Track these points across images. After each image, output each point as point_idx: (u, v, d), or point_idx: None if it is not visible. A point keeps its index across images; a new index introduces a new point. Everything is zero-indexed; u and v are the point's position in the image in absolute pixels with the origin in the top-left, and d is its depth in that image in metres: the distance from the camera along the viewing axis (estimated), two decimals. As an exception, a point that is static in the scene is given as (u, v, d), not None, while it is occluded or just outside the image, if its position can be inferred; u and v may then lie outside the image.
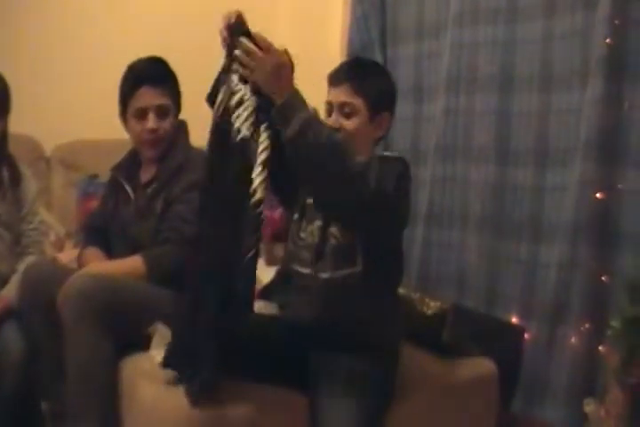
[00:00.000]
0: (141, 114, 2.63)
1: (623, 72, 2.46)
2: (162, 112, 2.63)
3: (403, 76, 3.35)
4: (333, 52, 3.89)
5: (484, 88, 2.97)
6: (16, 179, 2.78)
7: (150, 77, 2.64)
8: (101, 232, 2.77)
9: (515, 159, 2.86)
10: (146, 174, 2.72)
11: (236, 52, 1.96)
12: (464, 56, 3.06)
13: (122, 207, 2.72)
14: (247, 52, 1.95)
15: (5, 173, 2.76)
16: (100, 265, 2.59)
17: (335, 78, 2.28)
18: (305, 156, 1.97)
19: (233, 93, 2.01)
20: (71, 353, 2.29)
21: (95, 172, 3.62)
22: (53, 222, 3.05)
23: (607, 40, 2.45)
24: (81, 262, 2.69)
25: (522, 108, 2.84)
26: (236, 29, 1.99)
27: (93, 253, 2.72)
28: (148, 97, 2.63)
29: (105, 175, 3.53)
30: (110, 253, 2.73)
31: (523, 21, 2.83)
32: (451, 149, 3.11)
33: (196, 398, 2.05)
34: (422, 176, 3.20)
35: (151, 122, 2.62)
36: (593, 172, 2.48)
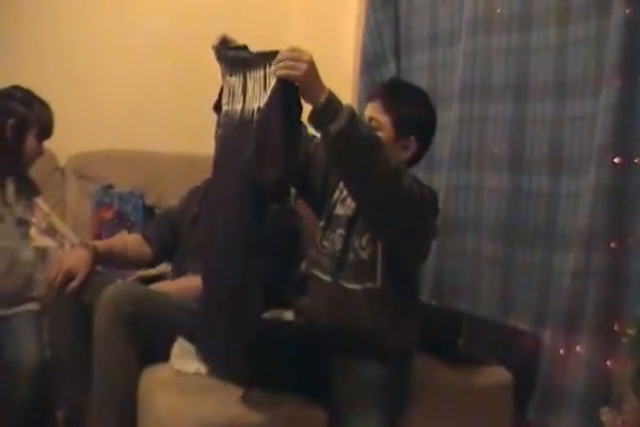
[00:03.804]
0: None
1: (637, 78, 2.44)
2: None
3: (417, 85, 3.35)
4: (347, 63, 3.90)
5: (498, 96, 2.97)
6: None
7: None
8: (166, 228, 2.86)
9: (529, 167, 2.85)
10: None
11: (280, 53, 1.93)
12: (478, 64, 3.05)
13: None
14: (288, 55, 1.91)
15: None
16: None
17: (372, 93, 2.36)
18: (351, 150, 1.95)
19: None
20: (99, 361, 2.32)
21: (110, 182, 3.63)
22: (68, 232, 3.05)
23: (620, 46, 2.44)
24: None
25: (536, 116, 2.83)
26: (222, 49, 2.15)
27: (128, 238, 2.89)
28: None
29: (119, 186, 3.56)
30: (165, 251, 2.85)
31: (537, 29, 2.82)
32: (465, 156, 3.10)
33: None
34: (437, 184, 3.18)
35: None
36: (607, 178, 2.47)
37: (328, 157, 2.10)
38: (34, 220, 2.83)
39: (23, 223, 2.79)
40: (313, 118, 1.94)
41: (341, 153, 1.96)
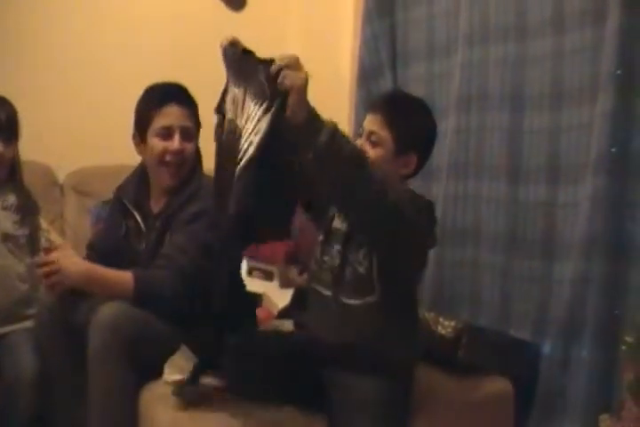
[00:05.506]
0: (167, 133, 2.51)
1: (633, 87, 2.44)
2: (187, 134, 2.52)
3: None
4: (343, 75, 3.92)
5: (495, 106, 2.97)
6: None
7: (178, 96, 2.53)
8: (105, 253, 2.68)
9: (526, 176, 2.85)
10: (157, 205, 2.63)
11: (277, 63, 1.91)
12: (474, 75, 3.06)
13: (133, 238, 2.65)
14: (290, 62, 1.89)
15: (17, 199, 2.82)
16: (89, 266, 2.45)
17: (373, 106, 2.29)
18: (333, 167, 1.92)
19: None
20: (94, 383, 2.28)
21: (108, 197, 3.63)
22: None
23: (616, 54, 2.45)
24: None
25: (533, 125, 2.84)
26: (230, 52, 2.03)
27: None
28: (176, 115, 2.51)
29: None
30: None
31: (532, 38, 2.83)
32: (462, 167, 3.11)
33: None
34: (435, 194, 3.19)
35: (177, 142, 2.50)
36: (605, 187, 2.47)
37: (314, 173, 2.01)
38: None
39: (10, 239, 2.77)
40: (298, 131, 1.91)
41: (326, 167, 1.93)
